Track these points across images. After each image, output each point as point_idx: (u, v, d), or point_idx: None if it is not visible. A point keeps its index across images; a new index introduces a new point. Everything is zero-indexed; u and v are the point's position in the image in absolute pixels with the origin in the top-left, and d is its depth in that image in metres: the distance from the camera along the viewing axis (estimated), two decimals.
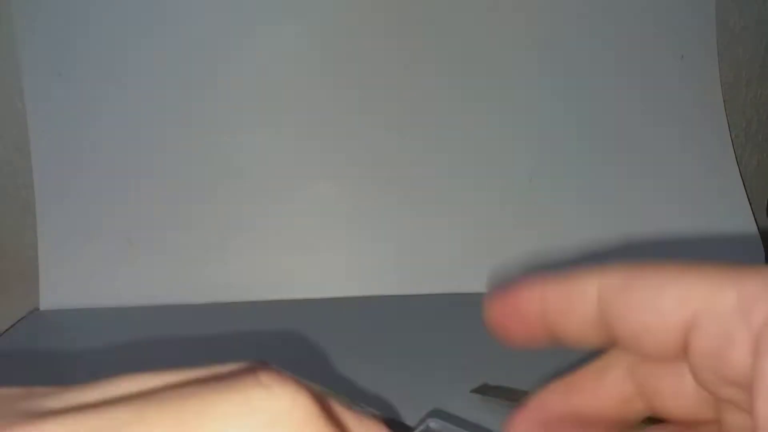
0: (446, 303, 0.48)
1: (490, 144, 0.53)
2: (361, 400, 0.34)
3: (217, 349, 0.41)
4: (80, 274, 0.49)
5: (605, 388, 0.23)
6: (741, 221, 0.53)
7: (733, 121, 0.56)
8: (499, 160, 0.53)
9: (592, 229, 0.51)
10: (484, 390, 0.33)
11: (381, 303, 0.49)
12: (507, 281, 0.24)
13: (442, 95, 0.53)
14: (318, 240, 0.51)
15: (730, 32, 0.56)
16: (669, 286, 0.19)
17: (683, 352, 0.18)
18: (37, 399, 0.15)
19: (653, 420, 0.24)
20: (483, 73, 0.53)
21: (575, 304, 0.21)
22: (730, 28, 0.56)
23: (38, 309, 0.49)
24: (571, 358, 0.24)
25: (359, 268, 0.51)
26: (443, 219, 0.52)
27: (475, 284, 0.48)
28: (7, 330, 0.46)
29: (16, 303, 0.49)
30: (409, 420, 0.32)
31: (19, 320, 0.47)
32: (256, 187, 0.51)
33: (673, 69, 0.57)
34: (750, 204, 0.53)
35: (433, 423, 0.29)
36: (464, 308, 0.38)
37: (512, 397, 0.32)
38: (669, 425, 0.22)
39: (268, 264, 0.50)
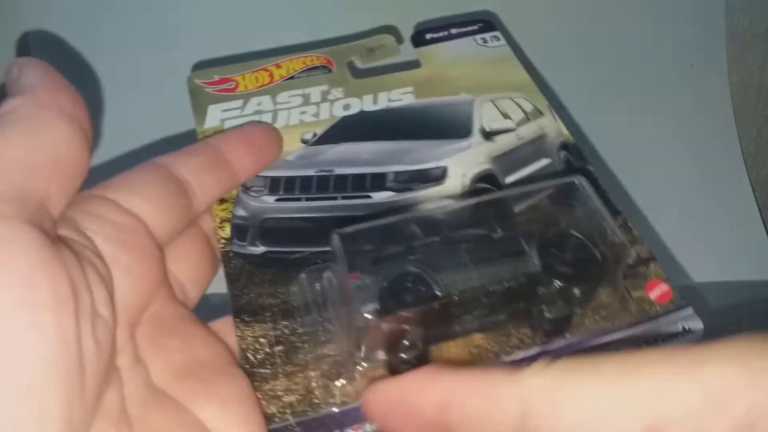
0: None
1: None
2: None
3: None
4: None
5: None
6: (751, 231, 0.53)
7: (742, 130, 0.56)
8: None
9: None
10: None
11: None
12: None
13: None
14: None
15: (739, 40, 0.56)
16: (616, 388, 0.15)
17: None
18: None
19: None
20: None
21: (493, 414, 0.16)
22: (740, 36, 0.56)
23: None
24: None
25: None
26: None
27: None
28: None
29: None
30: None
31: None
32: None
33: (682, 77, 0.57)
34: (761, 213, 0.53)
35: None
36: None
37: None
38: None
39: None
